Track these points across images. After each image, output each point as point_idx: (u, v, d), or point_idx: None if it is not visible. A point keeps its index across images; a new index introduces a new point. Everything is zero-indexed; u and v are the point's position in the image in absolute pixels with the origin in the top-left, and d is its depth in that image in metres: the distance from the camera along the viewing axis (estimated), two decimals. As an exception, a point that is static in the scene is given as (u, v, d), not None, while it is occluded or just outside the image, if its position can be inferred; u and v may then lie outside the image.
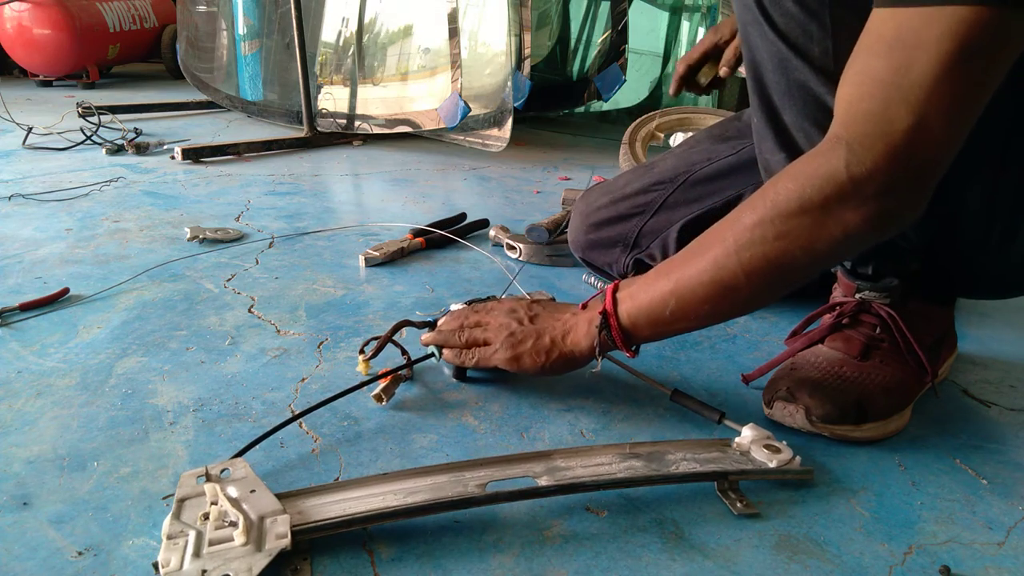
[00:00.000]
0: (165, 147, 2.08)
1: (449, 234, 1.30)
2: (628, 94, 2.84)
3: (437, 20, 2.08)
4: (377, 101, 2.32)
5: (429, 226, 1.30)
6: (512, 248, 1.24)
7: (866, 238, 0.57)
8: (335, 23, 2.42)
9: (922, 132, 0.51)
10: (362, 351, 0.82)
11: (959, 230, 0.70)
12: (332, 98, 2.39)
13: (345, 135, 2.30)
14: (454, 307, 0.91)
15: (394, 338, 0.83)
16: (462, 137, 2.19)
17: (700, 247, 0.63)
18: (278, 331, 0.92)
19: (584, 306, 0.73)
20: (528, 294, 0.96)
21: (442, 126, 2.11)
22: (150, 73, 4.24)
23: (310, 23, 2.33)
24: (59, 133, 2.17)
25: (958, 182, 0.63)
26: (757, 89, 0.72)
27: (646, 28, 2.88)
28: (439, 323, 0.81)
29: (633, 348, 0.70)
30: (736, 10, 0.70)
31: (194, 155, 1.96)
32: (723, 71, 1.06)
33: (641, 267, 1.05)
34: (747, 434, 0.67)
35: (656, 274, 0.67)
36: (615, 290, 0.69)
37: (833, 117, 0.57)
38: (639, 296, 0.66)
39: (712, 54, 1.09)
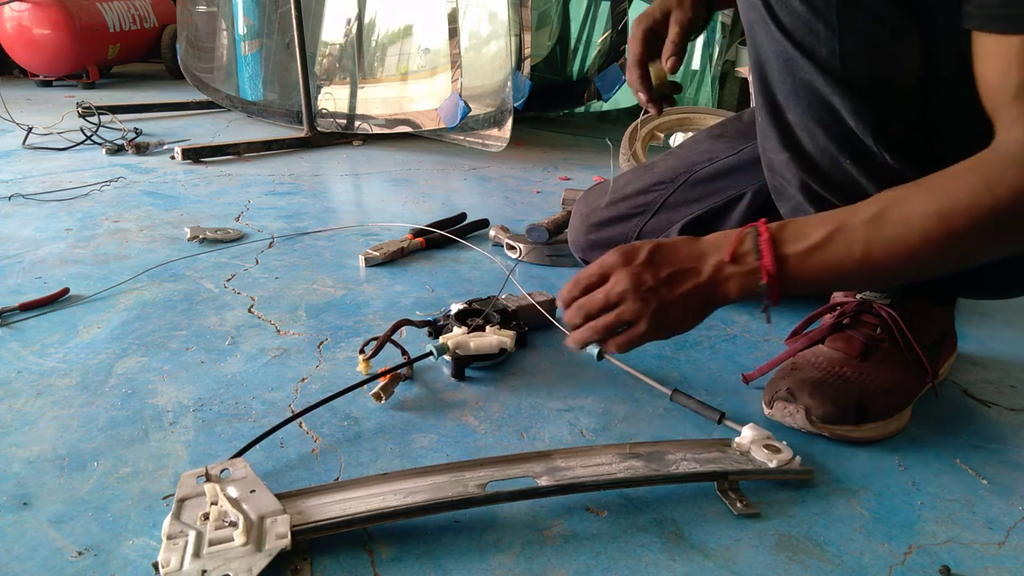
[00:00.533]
0: (165, 147, 2.08)
1: (449, 234, 1.30)
2: (628, 94, 2.84)
3: (437, 20, 2.08)
4: (377, 101, 2.32)
5: (429, 226, 1.30)
6: (512, 248, 1.24)
7: None
8: (335, 23, 2.42)
9: None
10: (362, 351, 0.82)
11: None
12: (332, 98, 2.39)
13: (345, 135, 2.30)
14: (454, 307, 0.91)
15: (393, 337, 0.83)
16: (462, 137, 2.19)
17: (899, 218, 0.58)
18: (278, 331, 0.92)
19: (733, 257, 0.62)
20: (528, 294, 0.96)
21: (442, 126, 2.11)
22: (150, 73, 4.24)
23: (310, 23, 2.33)
24: (59, 133, 2.17)
25: None
26: (762, 88, 0.72)
27: (646, 28, 2.88)
28: (565, 315, 0.69)
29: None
30: (741, 8, 0.70)
31: (194, 155, 1.96)
32: (668, 64, 0.84)
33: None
34: (747, 434, 0.67)
35: (833, 235, 0.60)
36: (773, 243, 0.61)
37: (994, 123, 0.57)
38: (810, 263, 0.60)
39: (652, 46, 0.87)
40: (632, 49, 0.87)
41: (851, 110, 0.65)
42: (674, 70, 0.84)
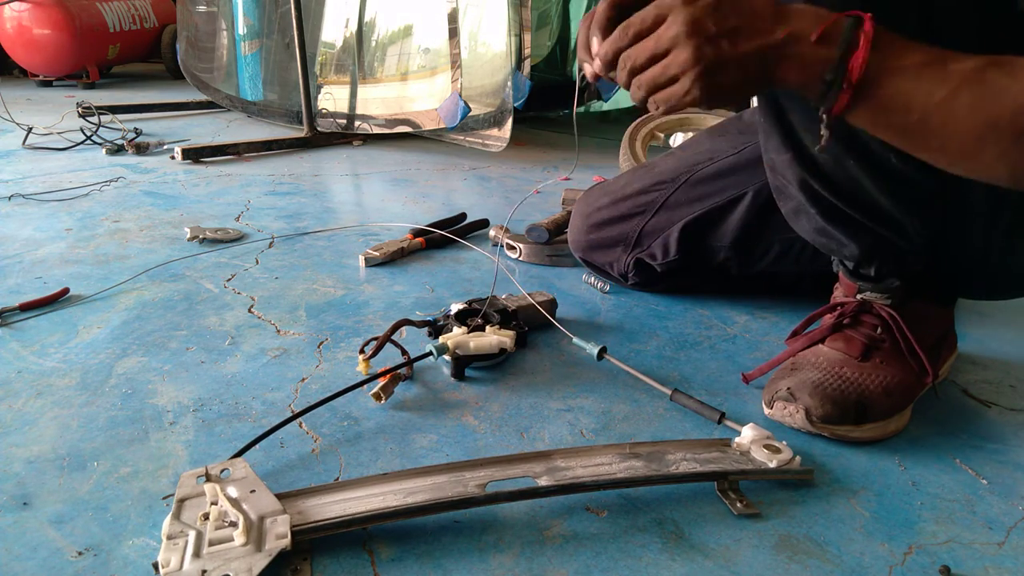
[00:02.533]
0: (165, 147, 2.08)
1: (449, 234, 1.30)
2: (628, 94, 2.84)
3: (437, 20, 2.08)
4: (377, 101, 2.32)
5: (429, 226, 1.30)
6: (512, 248, 1.24)
7: None
8: (335, 23, 2.42)
9: None
10: (362, 351, 0.82)
11: (963, 232, 0.70)
12: (332, 98, 2.39)
13: (345, 135, 2.30)
14: (454, 307, 0.91)
15: (393, 337, 0.83)
16: (462, 137, 2.19)
17: (999, 84, 0.52)
18: (278, 331, 0.92)
19: (820, 36, 0.53)
20: (529, 294, 0.96)
21: (442, 126, 2.11)
22: (150, 73, 4.24)
23: (310, 23, 2.34)
24: (59, 133, 2.17)
25: (962, 184, 0.63)
26: None
27: (646, 28, 2.88)
28: (604, 67, 0.60)
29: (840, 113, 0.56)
30: None
31: (194, 155, 1.96)
32: None
33: (642, 266, 1.05)
34: (747, 434, 0.67)
35: (927, 65, 0.53)
36: (872, 42, 0.53)
37: None
38: (892, 83, 0.53)
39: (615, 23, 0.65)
40: (600, 11, 0.64)
41: None
42: None
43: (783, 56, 0.54)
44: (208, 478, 0.57)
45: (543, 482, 0.59)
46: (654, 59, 0.56)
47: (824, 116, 0.55)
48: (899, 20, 0.55)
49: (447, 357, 0.81)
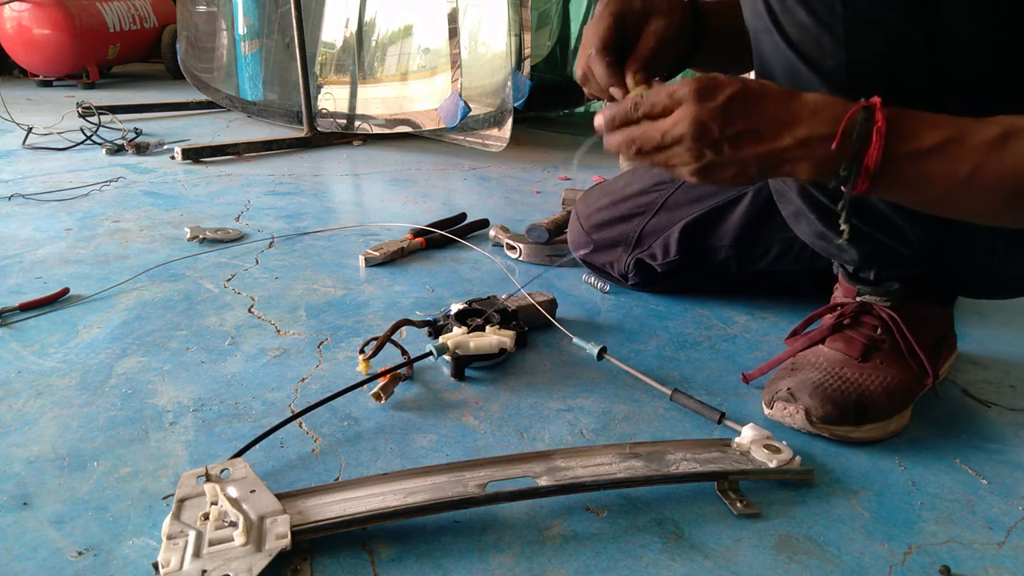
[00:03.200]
0: (165, 147, 2.08)
1: (449, 234, 1.30)
2: (628, 94, 2.84)
3: (437, 20, 2.08)
4: (377, 101, 2.32)
5: (429, 226, 1.30)
6: (512, 248, 1.24)
7: None
8: (335, 23, 2.42)
9: None
10: (362, 351, 0.82)
11: (966, 241, 0.70)
12: (332, 98, 2.39)
13: (345, 135, 2.30)
14: (454, 307, 0.91)
15: (393, 337, 0.83)
16: (462, 137, 2.19)
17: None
18: (278, 331, 0.92)
19: (842, 135, 0.53)
20: (528, 294, 0.96)
21: (442, 126, 2.11)
22: (150, 73, 4.24)
23: (310, 23, 2.34)
24: (59, 133, 2.17)
25: None
26: None
27: (646, 28, 2.88)
28: (608, 136, 0.63)
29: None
30: (747, 17, 0.68)
31: (194, 155, 1.96)
32: (631, 78, 0.67)
33: (642, 266, 1.05)
34: (747, 434, 0.67)
35: (945, 145, 0.53)
36: (886, 135, 0.53)
37: None
38: (911, 169, 0.54)
39: (616, 45, 0.69)
40: (599, 31, 0.68)
41: None
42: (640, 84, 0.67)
43: (790, 159, 0.55)
44: (208, 478, 0.57)
45: (543, 482, 0.59)
46: (658, 148, 0.58)
47: (842, 204, 0.55)
48: (909, 79, 0.56)
49: (447, 357, 0.81)
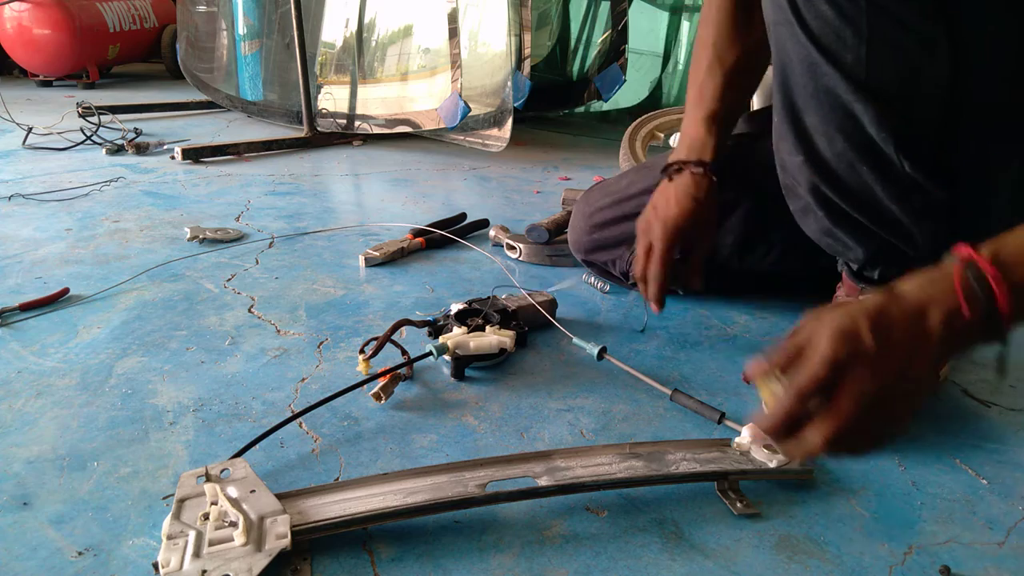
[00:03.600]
0: (165, 147, 2.08)
1: (449, 234, 1.30)
2: (628, 94, 2.84)
3: (437, 20, 2.08)
4: (377, 101, 2.32)
5: (429, 226, 1.30)
6: (512, 248, 1.24)
7: None
8: (335, 23, 2.42)
9: None
10: (362, 351, 0.82)
11: (970, 238, 0.70)
12: (332, 98, 2.39)
13: (345, 135, 2.30)
14: (454, 307, 0.91)
15: (393, 337, 0.83)
16: (462, 137, 2.19)
17: None
18: (278, 331, 0.92)
19: (967, 301, 0.48)
20: (528, 294, 0.96)
21: (442, 126, 2.11)
22: (150, 73, 4.24)
23: (310, 23, 2.33)
24: (59, 133, 2.17)
25: (983, 199, 0.63)
26: (782, 89, 0.71)
27: (646, 28, 2.88)
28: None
29: None
30: (765, 9, 0.68)
31: (194, 155, 1.96)
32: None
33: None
34: (747, 434, 0.67)
35: None
36: (1000, 276, 0.49)
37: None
38: None
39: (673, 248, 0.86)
40: (662, 243, 0.85)
41: (874, 118, 0.63)
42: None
43: (949, 346, 0.50)
44: (208, 478, 0.57)
45: (543, 482, 0.59)
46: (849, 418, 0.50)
47: (1000, 357, 0.52)
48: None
49: (447, 357, 0.81)
